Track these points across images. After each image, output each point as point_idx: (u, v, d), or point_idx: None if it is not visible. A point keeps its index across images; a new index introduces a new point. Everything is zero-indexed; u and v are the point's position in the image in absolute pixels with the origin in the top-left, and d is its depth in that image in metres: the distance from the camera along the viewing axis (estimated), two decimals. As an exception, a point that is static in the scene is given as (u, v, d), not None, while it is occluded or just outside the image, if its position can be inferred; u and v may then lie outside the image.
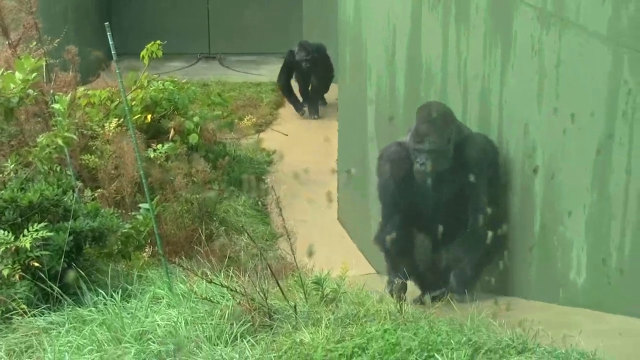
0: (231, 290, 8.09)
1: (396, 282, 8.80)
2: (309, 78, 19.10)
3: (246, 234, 11.16)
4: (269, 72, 22.90)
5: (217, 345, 6.96)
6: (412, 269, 9.19)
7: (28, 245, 8.71)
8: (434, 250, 9.22)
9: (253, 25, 25.22)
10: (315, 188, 16.03)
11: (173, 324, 7.56)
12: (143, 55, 14.79)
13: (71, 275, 8.45)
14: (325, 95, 20.35)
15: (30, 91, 10.57)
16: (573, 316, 7.82)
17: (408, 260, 9.23)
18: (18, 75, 9.79)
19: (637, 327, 6.86)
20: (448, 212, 8.78)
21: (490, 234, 8.49)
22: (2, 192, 9.49)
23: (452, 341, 6.39)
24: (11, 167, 10.40)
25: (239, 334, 7.26)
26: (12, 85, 9.71)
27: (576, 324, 7.60)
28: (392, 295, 8.68)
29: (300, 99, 19.91)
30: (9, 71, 10.11)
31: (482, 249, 8.81)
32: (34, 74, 10.33)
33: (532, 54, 8.33)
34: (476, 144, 8.73)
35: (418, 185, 8.72)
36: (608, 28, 7.32)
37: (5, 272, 8.68)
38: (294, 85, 20.37)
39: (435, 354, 6.11)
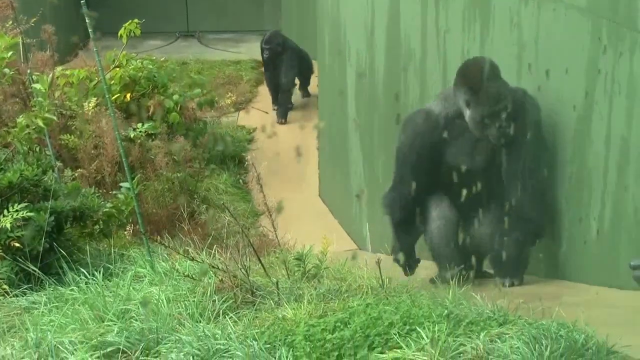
0: (213, 267, 8.14)
1: (401, 253, 8.82)
2: (274, 72, 18.82)
3: (228, 212, 11.18)
4: (248, 49, 22.89)
5: (200, 322, 6.99)
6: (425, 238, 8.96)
7: (8, 226, 8.78)
8: (465, 225, 8.84)
9: (231, 3, 25.18)
10: (296, 165, 16.09)
11: (155, 301, 7.59)
12: (121, 34, 14.77)
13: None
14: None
15: (7, 70, 10.60)
16: (552, 288, 7.89)
17: (414, 229, 9.01)
18: (-5, 52, 9.80)
19: (612, 297, 6.91)
20: (485, 182, 8.27)
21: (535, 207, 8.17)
22: None
23: (433, 314, 6.42)
24: (-11, 148, 10.43)
25: (221, 311, 7.30)
26: (-12, 63, 9.73)
27: (555, 295, 7.68)
28: (398, 263, 8.77)
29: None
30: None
31: (528, 225, 8.30)
32: (10, 52, 10.35)
33: (511, 27, 8.38)
34: (524, 105, 8.10)
35: (450, 153, 8.32)
36: (590, 1, 7.38)
37: None
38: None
39: (417, 327, 6.14)
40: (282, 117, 19.18)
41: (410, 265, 8.70)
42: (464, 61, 7.75)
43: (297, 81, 19.66)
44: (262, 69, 20.17)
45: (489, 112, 7.70)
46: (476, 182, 8.00)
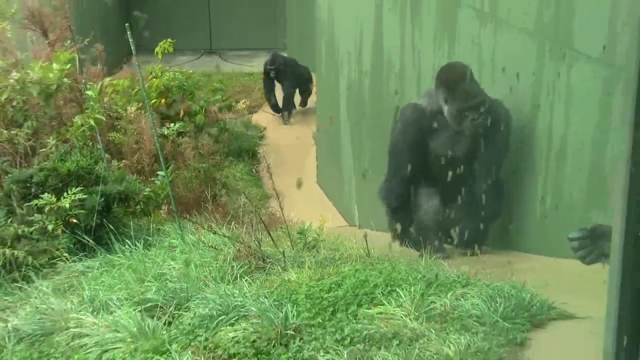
0: (232, 239, 8.15)
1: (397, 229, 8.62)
2: (279, 85, 18.73)
3: (243, 195, 11.18)
4: (259, 64, 22.81)
5: (221, 283, 6.99)
6: (414, 222, 8.67)
7: (67, 205, 8.86)
8: (444, 206, 8.50)
9: (246, 26, 25.17)
10: (298, 157, 16.07)
11: (185, 266, 7.61)
12: (157, 51, 14.81)
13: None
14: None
15: (66, 80, 10.60)
16: (506, 257, 7.88)
17: (409, 213, 8.69)
18: (55, 66, 9.81)
19: (555, 265, 6.91)
20: (462, 171, 8.05)
21: (497, 192, 8.14)
22: (46, 163, 9.58)
23: (409, 278, 6.43)
24: (53, 142, 10.47)
25: (238, 275, 7.31)
26: (50, 75, 9.73)
27: (509, 263, 7.68)
28: (405, 244, 8.58)
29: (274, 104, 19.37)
30: (47, 63, 10.12)
31: (491, 207, 8.19)
32: (68, 65, 10.36)
33: (472, 46, 8.36)
34: (495, 108, 7.91)
35: (435, 144, 8.06)
36: (534, 25, 7.37)
37: (50, 227, 8.79)
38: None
39: (397, 289, 6.14)
40: (287, 119, 19.07)
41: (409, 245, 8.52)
42: (442, 66, 7.67)
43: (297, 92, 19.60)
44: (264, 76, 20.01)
45: (463, 107, 7.59)
46: (454, 170, 7.77)
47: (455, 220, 8.24)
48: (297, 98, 19.57)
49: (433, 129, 7.91)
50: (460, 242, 8.24)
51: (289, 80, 18.75)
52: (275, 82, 18.88)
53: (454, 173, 7.86)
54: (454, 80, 7.60)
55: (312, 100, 18.85)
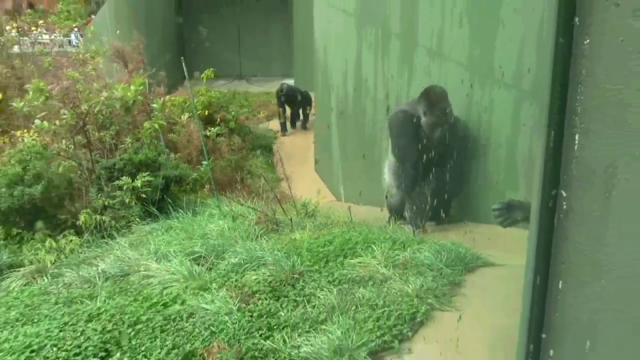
0: (254, 209, 8.12)
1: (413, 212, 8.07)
2: (290, 106, 18.65)
3: (263, 178, 11.16)
4: (274, 86, 22.86)
5: (247, 241, 6.96)
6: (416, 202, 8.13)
7: (139, 185, 8.95)
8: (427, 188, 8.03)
9: (265, 58, 25.18)
10: (302, 152, 16.05)
11: (221, 229, 7.58)
12: (203, 77, 14.82)
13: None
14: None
15: (139, 97, 10.63)
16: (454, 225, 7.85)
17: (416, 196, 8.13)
18: (132, 87, 9.81)
19: (485, 229, 6.87)
20: (433, 161, 7.68)
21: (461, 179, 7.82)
22: (125, 155, 9.67)
23: (381, 237, 6.39)
24: (129, 141, 10.52)
25: (259, 235, 7.28)
26: (128, 94, 9.73)
27: (453, 228, 7.67)
28: (412, 223, 8.00)
29: (287, 124, 19.19)
30: (126, 85, 10.14)
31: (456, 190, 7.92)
32: (141, 87, 10.37)
33: (425, 76, 8.29)
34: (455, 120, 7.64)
35: (423, 143, 7.68)
36: (468, 59, 7.32)
37: (127, 200, 8.87)
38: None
39: (372, 245, 6.11)
40: (292, 127, 18.92)
41: (417, 225, 7.97)
42: (426, 87, 7.52)
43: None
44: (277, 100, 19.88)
45: (436, 122, 7.41)
46: (428, 162, 7.57)
47: (430, 196, 8.04)
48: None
49: (417, 128, 7.62)
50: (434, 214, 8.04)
51: (298, 103, 18.65)
52: (285, 104, 18.70)
53: (428, 162, 7.62)
54: (432, 99, 7.40)
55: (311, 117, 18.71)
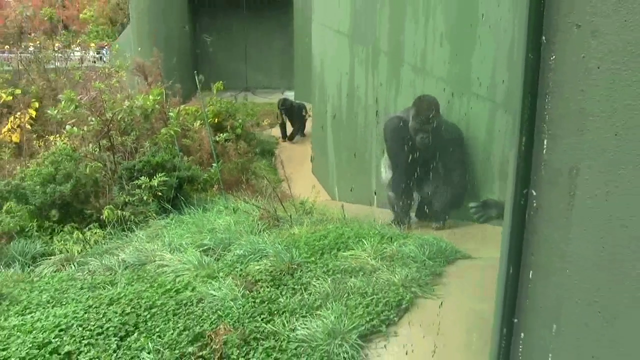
0: (257, 207, 8.09)
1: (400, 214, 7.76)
2: (289, 118, 18.39)
3: (265, 179, 11.14)
4: (277, 97, 22.85)
5: (251, 235, 6.94)
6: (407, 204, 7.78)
7: (156, 184, 8.91)
8: (419, 190, 7.80)
9: (269, 72, 25.17)
10: (300, 157, 16.02)
11: (228, 224, 7.56)
12: (213, 89, 14.82)
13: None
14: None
15: (157, 106, 10.64)
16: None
17: (409, 198, 7.78)
18: (151, 97, 9.84)
19: (464, 226, 6.86)
20: (430, 167, 7.43)
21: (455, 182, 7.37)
22: (144, 157, 9.65)
23: (370, 233, 6.37)
24: (148, 145, 10.50)
25: (262, 229, 7.25)
26: (148, 103, 9.74)
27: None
28: (397, 223, 7.62)
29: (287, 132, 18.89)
30: (146, 96, 10.16)
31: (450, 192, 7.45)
32: (158, 97, 10.39)
33: (410, 88, 8.28)
34: (449, 127, 7.29)
35: (412, 147, 7.32)
36: (448, 74, 7.31)
37: (145, 197, 8.83)
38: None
39: (362, 239, 6.09)
40: (291, 139, 18.55)
41: (403, 222, 7.65)
42: (419, 95, 7.45)
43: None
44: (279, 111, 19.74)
45: (417, 128, 7.11)
46: (418, 164, 7.32)
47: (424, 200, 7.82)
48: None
49: (409, 133, 7.32)
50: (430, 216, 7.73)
51: (295, 115, 18.41)
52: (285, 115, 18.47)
53: (421, 167, 7.41)
54: (421, 107, 7.13)
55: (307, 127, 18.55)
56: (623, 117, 1.84)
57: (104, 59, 24.97)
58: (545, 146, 2.04)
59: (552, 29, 1.99)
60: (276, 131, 18.99)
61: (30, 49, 20.86)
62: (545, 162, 2.05)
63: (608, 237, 1.95)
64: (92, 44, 25.74)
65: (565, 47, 1.97)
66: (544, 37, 2.01)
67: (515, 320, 2.29)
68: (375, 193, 9.16)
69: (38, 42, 20.33)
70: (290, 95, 21.94)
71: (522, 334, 2.28)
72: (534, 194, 2.11)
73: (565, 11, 1.94)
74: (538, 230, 2.13)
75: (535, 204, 2.12)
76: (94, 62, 23.74)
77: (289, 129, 18.51)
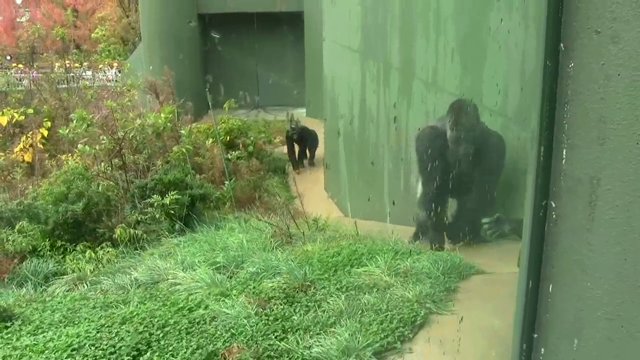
0: (270, 224, 8.07)
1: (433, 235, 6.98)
2: (299, 144, 17.57)
3: (278, 196, 11.14)
4: (288, 115, 22.93)
5: (264, 252, 6.92)
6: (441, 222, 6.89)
7: (168, 202, 8.92)
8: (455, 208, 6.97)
9: (280, 90, 25.17)
10: (313, 175, 16.01)
11: (240, 241, 7.53)
12: (225, 107, 14.83)
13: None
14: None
15: (169, 124, 10.67)
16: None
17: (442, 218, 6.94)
18: (162, 116, 9.90)
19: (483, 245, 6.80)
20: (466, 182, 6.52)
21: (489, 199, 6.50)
22: (156, 175, 9.70)
23: (384, 249, 6.34)
24: (160, 163, 10.52)
25: (275, 247, 7.23)
26: (159, 121, 9.78)
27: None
28: (432, 247, 6.86)
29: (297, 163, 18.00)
30: (157, 114, 10.21)
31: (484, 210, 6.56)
32: (170, 115, 10.43)
33: (421, 104, 8.26)
34: (491, 136, 6.42)
35: (447, 160, 6.43)
36: (459, 89, 7.28)
37: (157, 216, 8.84)
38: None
39: (376, 256, 6.06)
40: (301, 166, 17.47)
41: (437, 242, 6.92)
42: (453, 100, 6.62)
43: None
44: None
45: (458, 135, 6.29)
46: (453, 180, 6.47)
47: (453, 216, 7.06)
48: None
49: (445, 144, 6.48)
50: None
51: (307, 139, 17.87)
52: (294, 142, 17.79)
53: (454, 181, 6.56)
54: (460, 113, 6.33)
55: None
56: (645, 125, 1.80)
57: (116, 78, 25.16)
58: (564, 156, 2.00)
59: (570, 35, 1.96)
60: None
61: (42, 69, 21.03)
62: (565, 173, 2.01)
63: (630, 248, 1.91)
64: (113, 63, 25.97)
65: (584, 54, 1.93)
66: (562, 44, 1.98)
67: (535, 335, 2.24)
68: (391, 206, 9.11)
69: (50, 62, 20.46)
70: (300, 112, 21.91)
71: (542, 350, 2.24)
72: (554, 205, 2.07)
73: (584, 17, 1.90)
74: (558, 242, 2.09)
75: (554, 216, 2.08)
76: (114, 80, 23.93)
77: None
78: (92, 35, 27.01)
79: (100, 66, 25.46)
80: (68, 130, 10.18)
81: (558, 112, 2.00)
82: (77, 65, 22.43)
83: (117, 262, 8.07)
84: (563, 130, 1.99)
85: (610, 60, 1.87)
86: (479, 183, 6.59)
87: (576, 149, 1.97)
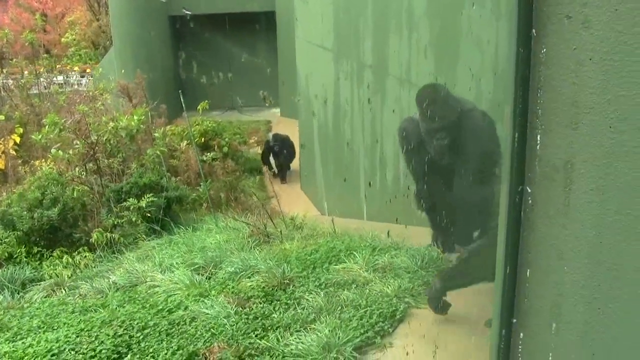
0: (247, 224, 8.06)
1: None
2: (278, 156, 17.17)
3: (255, 196, 11.12)
4: (264, 116, 22.80)
5: (241, 252, 6.92)
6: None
7: (144, 205, 8.88)
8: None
9: (255, 91, 25.07)
10: (289, 173, 15.99)
11: (218, 242, 7.53)
12: (199, 108, 14.76)
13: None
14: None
15: (142, 126, 10.63)
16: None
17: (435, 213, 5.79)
18: (135, 118, 9.85)
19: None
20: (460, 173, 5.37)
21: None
22: (131, 179, 9.66)
23: (362, 245, 6.37)
24: (134, 166, 10.46)
25: (252, 246, 7.22)
26: (132, 124, 9.74)
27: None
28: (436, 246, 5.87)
29: (275, 170, 17.41)
30: (130, 116, 10.19)
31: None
32: (142, 117, 10.41)
33: (395, 101, 8.28)
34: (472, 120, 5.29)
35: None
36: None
37: (133, 219, 8.80)
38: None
39: (354, 252, 6.08)
40: (283, 179, 16.93)
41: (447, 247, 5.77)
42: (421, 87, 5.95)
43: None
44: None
45: (431, 127, 5.19)
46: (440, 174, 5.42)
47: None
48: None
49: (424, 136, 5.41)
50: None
51: (286, 150, 17.43)
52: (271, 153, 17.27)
53: (442, 175, 5.56)
54: (423, 100, 5.31)
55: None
56: (617, 108, 1.82)
57: (87, 83, 24.97)
58: (539, 141, 2.02)
59: (542, 21, 1.97)
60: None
61: (12, 74, 20.80)
62: (540, 158, 2.03)
63: (605, 231, 1.93)
64: (76, 67, 25.69)
65: (556, 40, 1.95)
66: (534, 30, 1.99)
67: (514, 321, 2.26)
68: (368, 204, 9.12)
69: (20, 67, 20.28)
70: (274, 112, 21.91)
71: (522, 334, 2.26)
72: (529, 190, 2.09)
73: (555, 2, 1.92)
74: (534, 228, 2.11)
75: (530, 201, 2.10)
76: (78, 85, 23.70)
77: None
78: (62, 39, 26.76)
79: (76, 68, 25.22)
80: (41, 135, 10.09)
81: (532, 98, 2.02)
82: (44, 69, 22.19)
83: (94, 267, 8.03)
84: (537, 115, 2.01)
85: (582, 45, 1.89)
86: (474, 173, 5.50)
87: (550, 134, 1.98)
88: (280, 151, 16.25)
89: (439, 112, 5.23)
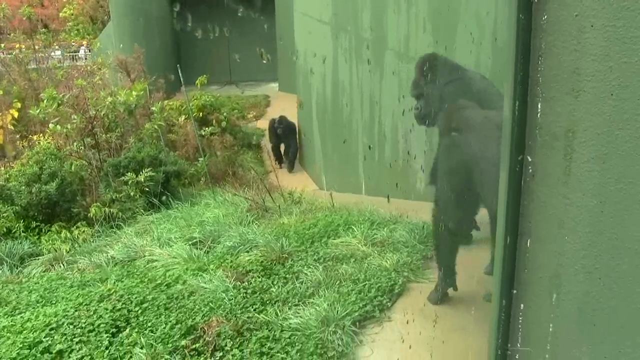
0: (246, 198, 8.05)
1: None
2: (283, 141, 16.39)
3: (253, 171, 11.09)
4: (262, 90, 22.79)
5: (240, 226, 6.91)
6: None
7: (142, 180, 8.88)
8: None
9: (253, 66, 24.93)
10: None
11: (216, 216, 7.52)
12: (197, 83, 14.70)
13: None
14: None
15: (141, 101, 10.61)
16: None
17: None
18: (134, 93, 9.81)
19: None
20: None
21: None
22: (129, 153, 9.64)
23: (360, 219, 6.36)
24: (132, 141, 10.44)
25: (251, 220, 7.21)
26: (131, 98, 9.70)
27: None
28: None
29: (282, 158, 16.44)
30: (129, 91, 10.16)
31: None
32: (142, 92, 10.38)
33: (393, 75, 8.24)
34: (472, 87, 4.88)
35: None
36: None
37: (132, 193, 8.79)
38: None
39: (352, 226, 6.07)
40: (291, 168, 16.47)
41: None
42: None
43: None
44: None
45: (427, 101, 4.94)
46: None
47: None
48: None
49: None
50: None
51: (291, 136, 16.93)
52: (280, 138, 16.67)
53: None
54: (422, 73, 5.03)
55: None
56: (619, 75, 1.79)
57: (85, 57, 24.85)
58: (539, 110, 1.99)
59: (543, -14, 1.95)
60: (262, 123, 18.44)
61: (10, 49, 20.69)
62: (540, 126, 2.00)
63: (606, 200, 1.91)
64: (82, 41, 25.61)
65: (557, 6, 1.92)
66: (534, -4, 1.96)
67: (515, 291, 2.24)
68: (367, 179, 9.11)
69: (18, 42, 20.17)
70: (273, 87, 21.84)
71: (522, 305, 2.24)
72: (530, 159, 2.07)
73: (556, -33, 1.89)
74: (535, 197, 2.09)
75: (531, 170, 2.07)
76: (75, 59, 23.59)
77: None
78: (60, 14, 26.68)
79: (74, 43, 25.13)
80: (39, 110, 10.06)
81: (532, 66, 1.99)
82: (45, 45, 22.09)
83: (93, 241, 8.03)
84: (538, 83, 1.98)
85: (584, 12, 1.86)
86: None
87: (551, 102, 1.96)
88: (283, 133, 15.66)
89: (439, 83, 4.95)
